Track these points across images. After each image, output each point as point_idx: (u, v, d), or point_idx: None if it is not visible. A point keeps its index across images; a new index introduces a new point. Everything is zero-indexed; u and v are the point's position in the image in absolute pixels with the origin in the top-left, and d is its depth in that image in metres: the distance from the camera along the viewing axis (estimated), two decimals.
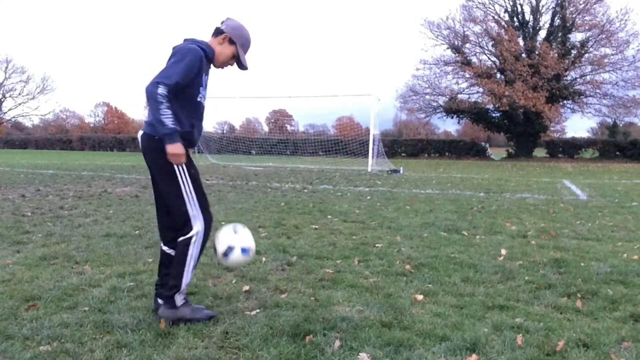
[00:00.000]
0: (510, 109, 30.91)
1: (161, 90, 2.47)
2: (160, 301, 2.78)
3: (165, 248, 2.87)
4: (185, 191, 2.69)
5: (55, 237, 4.89)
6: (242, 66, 2.87)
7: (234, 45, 2.80)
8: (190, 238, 2.70)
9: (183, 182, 2.69)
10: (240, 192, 9.61)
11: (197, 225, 2.71)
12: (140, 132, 2.72)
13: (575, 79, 33.73)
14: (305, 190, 10.16)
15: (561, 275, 3.68)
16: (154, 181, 2.85)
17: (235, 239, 2.76)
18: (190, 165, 2.74)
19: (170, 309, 2.68)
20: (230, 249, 2.72)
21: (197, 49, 2.65)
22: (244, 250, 2.74)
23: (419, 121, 50.17)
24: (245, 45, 2.86)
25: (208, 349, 2.36)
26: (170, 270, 2.75)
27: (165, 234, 2.86)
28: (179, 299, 2.69)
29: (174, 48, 2.71)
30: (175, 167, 2.64)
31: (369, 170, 17.73)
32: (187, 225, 2.70)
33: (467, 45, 34.71)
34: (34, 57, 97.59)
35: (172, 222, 2.77)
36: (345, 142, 26.66)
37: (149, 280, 3.42)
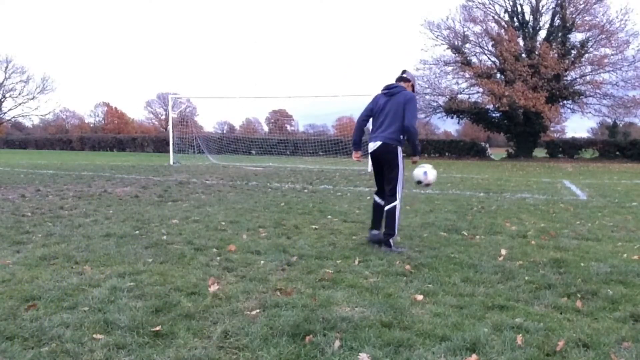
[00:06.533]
0: (510, 109, 30.90)
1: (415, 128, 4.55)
2: (374, 232, 4.71)
3: (376, 197, 4.84)
4: (400, 178, 4.58)
5: (55, 237, 4.89)
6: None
7: (413, 87, 4.83)
8: (395, 206, 4.53)
9: (401, 173, 4.59)
10: (240, 192, 9.61)
11: (398, 197, 4.56)
12: (379, 142, 4.59)
13: (575, 79, 33.71)
14: (305, 190, 10.16)
15: (561, 275, 3.68)
16: (383, 169, 4.69)
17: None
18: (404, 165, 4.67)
19: (388, 247, 4.45)
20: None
21: (415, 96, 4.67)
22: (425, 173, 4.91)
23: (419, 121, 50.09)
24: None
25: (208, 349, 2.36)
26: (385, 223, 4.56)
27: (380, 192, 4.78)
28: (396, 239, 4.59)
29: (404, 94, 4.60)
30: (400, 165, 4.57)
31: (369, 170, 17.73)
32: (393, 196, 4.54)
33: (467, 45, 34.70)
34: (34, 57, 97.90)
35: (388, 190, 4.61)
36: (345, 142, 26.58)
37: (149, 280, 3.42)
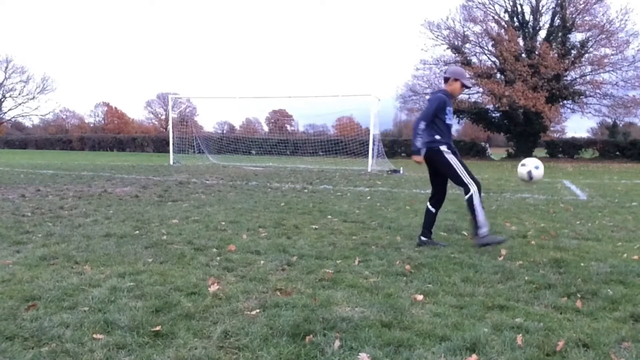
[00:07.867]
0: (510, 109, 30.91)
1: (421, 125, 4.51)
2: (423, 239, 4.72)
3: (428, 204, 4.84)
4: (459, 170, 4.53)
5: (55, 237, 4.89)
6: (468, 87, 4.95)
7: (458, 81, 4.69)
8: (471, 195, 4.44)
9: (455, 164, 4.55)
10: (240, 192, 9.61)
11: (471, 188, 4.47)
12: (424, 149, 4.55)
13: (575, 79, 33.73)
14: (305, 190, 10.16)
15: (561, 275, 3.68)
16: (438, 172, 4.72)
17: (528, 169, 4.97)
18: (455, 153, 4.62)
19: (478, 239, 4.43)
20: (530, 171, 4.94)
21: (440, 95, 4.62)
22: (536, 167, 4.94)
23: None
24: (463, 74, 4.78)
25: (208, 349, 2.36)
26: (471, 217, 4.53)
27: (432, 199, 4.83)
28: (483, 231, 4.41)
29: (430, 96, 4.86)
30: (451, 160, 4.55)
31: (369, 170, 17.73)
32: (464, 187, 4.48)
33: (467, 45, 34.73)
34: (34, 57, 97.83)
35: (458, 186, 4.59)
36: (345, 142, 26.63)
37: (149, 280, 3.42)
